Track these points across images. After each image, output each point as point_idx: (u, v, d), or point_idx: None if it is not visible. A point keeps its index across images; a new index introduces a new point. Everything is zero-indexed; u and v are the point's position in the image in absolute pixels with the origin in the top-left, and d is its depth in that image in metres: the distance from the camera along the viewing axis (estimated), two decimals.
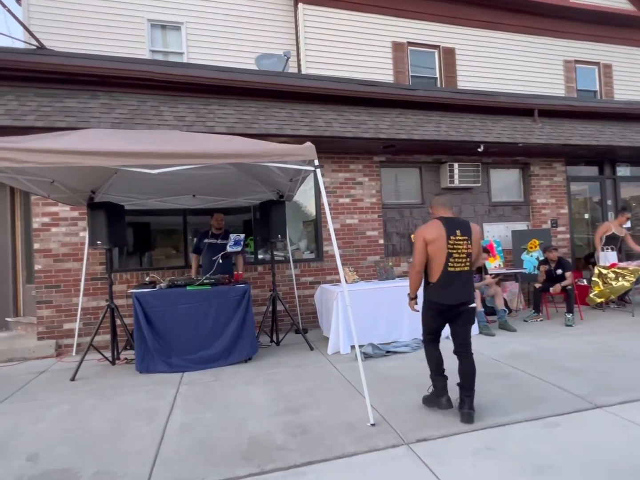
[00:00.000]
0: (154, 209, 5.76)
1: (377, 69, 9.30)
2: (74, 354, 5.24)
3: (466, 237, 2.98)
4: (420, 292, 3.15)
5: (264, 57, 8.16)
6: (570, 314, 5.77)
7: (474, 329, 5.42)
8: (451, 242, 2.93)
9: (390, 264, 5.90)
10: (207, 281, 4.66)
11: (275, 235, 4.95)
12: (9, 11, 4.92)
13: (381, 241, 6.69)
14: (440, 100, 7.16)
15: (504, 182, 7.67)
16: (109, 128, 4.90)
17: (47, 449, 2.76)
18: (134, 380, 4.15)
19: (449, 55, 9.91)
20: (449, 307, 2.97)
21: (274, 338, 5.37)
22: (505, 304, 6.26)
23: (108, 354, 4.76)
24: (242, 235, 5.00)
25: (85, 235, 5.30)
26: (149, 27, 8.45)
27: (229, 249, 4.89)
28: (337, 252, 3.24)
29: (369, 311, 4.93)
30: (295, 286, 6.07)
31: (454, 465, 2.36)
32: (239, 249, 4.99)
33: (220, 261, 4.89)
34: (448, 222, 2.99)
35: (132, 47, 8.07)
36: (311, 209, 6.63)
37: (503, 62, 10.18)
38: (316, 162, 3.21)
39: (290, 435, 2.80)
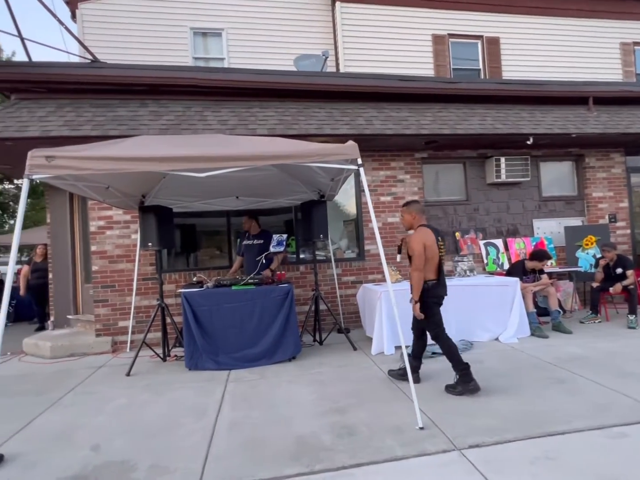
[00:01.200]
0: (199, 211, 5.94)
1: (417, 63, 9.10)
2: (127, 350, 5.51)
3: (443, 242, 3.63)
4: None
5: (302, 58, 8.21)
6: (633, 316, 5.36)
7: (525, 330, 5.18)
8: (439, 245, 3.54)
9: None
10: (251, 281, 4.75)
11: (318, 235, 4.96)
12: (67, 29, 5.25)
13: None
14: (484, 92, 6.89)
15: (556, 175, 7.26)
16: (157, 134, 5.11)
17: (107, 440, 2.91)
18: (184, 377, 4.30)
19: (492, 45, 9.52)
20: (443, 298, 3.64)
21: (317, 337, 5.38)
22: (559, 305, 5.92)
23: (159, 351, 4.96)
24: (285, 236, 5.05)
25: (136, 237, 5.56)
26: (191, 35, 8.74)
27: (272, 249, 4.96)
28: (381, 251, 3.19)
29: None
30: (337, 286, 6.06)
31: (512, 474, 2.24)
32: (282, 249, 5.04)
33: (264, 261, 4.96)
34: (433, 229, 3.60)
35: (176, 55, 8.38)
36: (351, 208, 6.58)
37: (552, 48, 9.64)
38: (359, 161, 3.18)
39: (337, 436, 2.79)
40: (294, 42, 8.90)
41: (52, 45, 6.30)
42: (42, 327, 7.70)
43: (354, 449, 2.60)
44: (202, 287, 4.77)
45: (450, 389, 3.47)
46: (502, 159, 6.62)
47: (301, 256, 6.39)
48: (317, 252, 5.87)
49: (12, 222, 14.44)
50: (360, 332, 5.69)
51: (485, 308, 5.12)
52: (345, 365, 4.40)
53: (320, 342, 5.33)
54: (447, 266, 6.44)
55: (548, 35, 9.66)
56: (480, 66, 9.52)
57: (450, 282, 5.13)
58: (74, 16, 8.32)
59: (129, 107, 5.64)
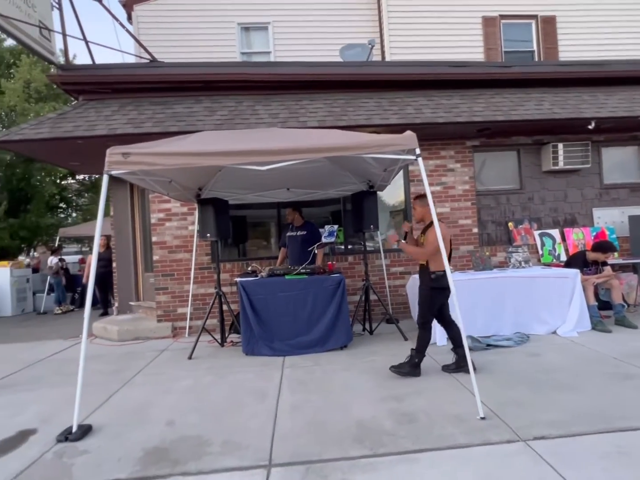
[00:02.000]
0: (251, 203, 6.13)
1: (467, 47, 8.82)
2: (186, 335, 5.84)
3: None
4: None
5: (347, 48, 8.17)
6: None
7: (586, 324, 4.97)
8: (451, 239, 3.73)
9: (487, 253, 5.61)
10: (303, 271, 4.87)
11: (368, 226, 4.99)
12: (127, 31, 5.55)
13: (475, 230, 6.39)
14: (540, 75, 6.59)
15: (619, 161, 6.83)
16: (212, 129, 5.30)
17: (180, 417, 3.13)
18: (242, 362, 4.51)
19: (548, 24, 9.02)
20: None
21: (367, 327, 5.44)
22: (623, 298, 5.61)
23: (217, 337, 5.22)
24: (336, 226, 5.13)
25: (193, 228, 5.84)
26: (239, 30, 8.93)
27: (323, 240, 5.05)
28: (440, 242, 3.17)
29: (466, 303, 4.73)
30: (385, 276, 6.08)
31: (582, 468, 2.21)
32: (333, 239, 5.12)
33: (316, 251, 5.07)
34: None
35: (224, 51, 8.60)
36: (399, 198, 6.54)
37: (616, 25, 9.00)
38: (417, 151, 3.17)
39: (397, 422, 2.85)
40: (339, 31, 8.87)
41: (109, 47, 6.65)
42: (105, 313, 8.29)
43: (416, 435, 2.65)
44: (256, 276, 4.95)
45: (397, 369, 3.72)
46: (560, 145, 6.31)
47: (349, 247, 6.45)
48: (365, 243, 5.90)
49: (74, 215, 15.52)
50: (409, 322, 5.69)
51: (543, 300, 4.96)
52: (397, 355, 4.40)
53: (371, 332, 5.38)
54: (500, 257, 6.28)
55: (609, 11, 9.01)
56: (535, 47, 9.07)
57: (504, 274, 5.05)
58: (129, 18, 8.73)
59: (185, 104, 5.89)
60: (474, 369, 3.61)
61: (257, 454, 2.53)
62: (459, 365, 3.74)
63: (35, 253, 13.95)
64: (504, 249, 6.25)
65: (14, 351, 5.60)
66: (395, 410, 3.05)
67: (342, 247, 6.43)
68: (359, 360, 4.32)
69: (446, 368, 3.87)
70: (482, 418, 2.80)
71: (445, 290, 3.61)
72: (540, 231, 6.54)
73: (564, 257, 6.33)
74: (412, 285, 5.52)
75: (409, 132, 3.23)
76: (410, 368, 3.72)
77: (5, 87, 12.19)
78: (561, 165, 6.34)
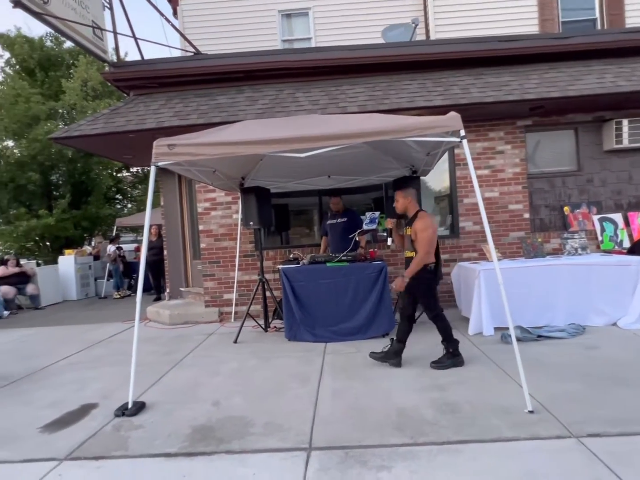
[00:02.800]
0: (292, 191, 6.17)
1: (519, 20, 8.24)
2: (232, 320, 6.05)
3: None
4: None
5: (390, 29, 7.92)
6: None
7: None
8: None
9: (539, 240, 5.31)
10: (344, 258, 4.85)
11: None
12: (173, 26, 5.71)
13: (526, 215, 6.04)
14: (603, 45, 6.05)
15: None
16: (253, 119, 5.37)
17: (225, 398, 3.27)
18: (284, 347, 4.61)
19: None
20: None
21: None
22: None
23: (261, 322, 5.36)
24: (377, 213, 5.05)
25: (237, 217, 5.99)
26: (279, 17, 8.91)
27: (365, 227, 5.00)
28: (487, 228, 3.03)
29: (516, 292, 4.52)
30: None
31: None
32: (375, 226, 5.06)
33: (357, 238, 5.03)
34: None
35: (266, 40, 8.63)
36: (444, 183, 6.32)
37: None
38: (462, 133, 3.02)
39: (440, 412, 2.79)
40: (381, 12, 8.60)
41: (157, 42, 6.88)
42: (158, 298, 8.76)
43: (458, 425, 2.59)
44: (298, 263, 5.01)
45: (438, 364, 3.64)
46: (625, 122, 5.77)
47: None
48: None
49: (129, 206, 16.45)
50: (454, 311, 5.52)
51: (601, 290, 4.62)
52: (441, 344, 4.32)
53: (414, 320, 5.27)
54: (554, 244, 5.92)
55: None
56: (597, 15, 8.31)
57: (558, 261, 4.76)
58: (175, 13, 8.97)
59: (228, 95, 6.00)
60: (400, 364, 3.72)
61: (298, 437, 2.58)
62: (388, 356, 3.77)
63: (95, 242, 14.96)
64: (558, 235, 5.88)
65: (80, 332, 6.08)
66: (437, 399, 2.99)
67: (384, 234, 6.32)
68: None
69: (374, 355, 3.83)
70: (530, 411, 2.68)
71: (438, 281, 3.79)
72: (600, 216, 6.07)
73: (627, 244, 5.85)
74: (458, 273, 5.35)
75: (452, 113, 3.09)
76: (451, 359, 3.65)
77: (66, 86, 13.01)
78: (626, 143, 5.81)
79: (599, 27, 8.27)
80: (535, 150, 6.20)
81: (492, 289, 4.48)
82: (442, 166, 6.19)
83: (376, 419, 2.76)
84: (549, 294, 4.61)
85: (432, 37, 8.29)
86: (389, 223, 3.90)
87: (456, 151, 5.97)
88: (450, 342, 3.69)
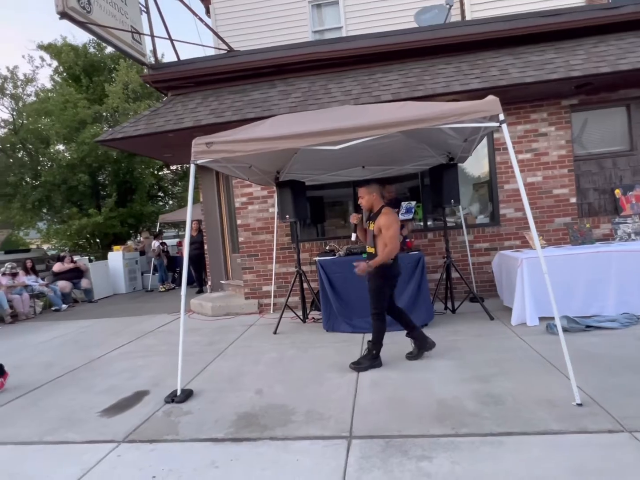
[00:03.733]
0: (327, 183, 6.19)
1: None
2: (271, 311, 6.19)
3: None
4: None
5: (423, 12, 7.68)
6: None
7: None
8: None
9: (587, 225, 5.03)
10: None
11: (448, 201, 4.76)
12: (207, 25, 5.84)
13: (573, 200, 5.74)
14: None
15: None
16: (286, 112, 5.41)
17: (267, 386, 3.37)
18: (322, 337, 4.68)
19: None
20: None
21: (449, 306, 5.27)
22: None
23: (299, 313, 5.45)
24: (413, 203, 4.98)
25: (273, 211, 6.09)
26: (309, 8, 8.86)
27: (400, 217, 4.93)
28: (529, 215, 2.91)
29: (562, 280, 4.34)
30: (468, 253, 5.78)
31: None
32: (411, 216, 4.99)
33: None
34: None
35: (297, 32, 8.61)
36: (483, 169, 6.11)
37: None
38: (501, 117, 2.91)
39: (482, 403, 2.75)
40: None
41: (192, 42, 7.06)
42: (200, 291, 9.10)
43: (502, 417, 2.54)
44: (334, 255, 5.04)
45: (357, 365, 3.57)
46: None
47: (428, 223, 6.23)
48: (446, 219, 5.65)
49: (170, 202, 17.12)
50: (495, 301, 5.38)
51: None
52: (482, 335, 4.24)
53: (453, 311, 5.21)
54: (604, 229, 5.60)
55: None
56: None
57: (608, 248, 4.51)
58: (208, 12, 9.14)
59: (261, 90, 6.07)
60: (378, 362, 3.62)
61: (338, 425, 2.63)
62: (421, 347, 3.72)
63: (140, 238, 15.70)
64: (609, 220, 5.55)
65: (130, 323, 6.45)
66: (479, 391, 2.94)
67: (421, 223, 6.23)
68: (440, 339, 4.20)
69: (410, 356, 3.73)
70: (579, 404, 2.59)
71: (395, 278, 3.68)
72: None
73: None
74: (499, 262, 5.19)
75: (490, 97, 2.98)
76: (370, 361, 3.59)
77: (109, 90, 13.65)
78: None
79: None
80: (582, 130, 5.86)
81: (535, 278, 4.32)
82: (480, 152, 5.99)
83: (416, 409, 2.77)
84: (598, 282, 4.39)
85: (468, 17, 7.97)
86: (354, 218, 3.82)
87: (495, 135, 5.76)
88: (376, 345, 3.62)
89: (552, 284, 2.84)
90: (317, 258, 5.02)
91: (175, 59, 6.80)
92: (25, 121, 13.46)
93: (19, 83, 13.61)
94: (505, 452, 2.20)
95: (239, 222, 6.37)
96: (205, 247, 7.97)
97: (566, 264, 4.43)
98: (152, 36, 6.54)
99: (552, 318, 3.44)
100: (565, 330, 4.03)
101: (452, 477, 2.03)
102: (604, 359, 3.33)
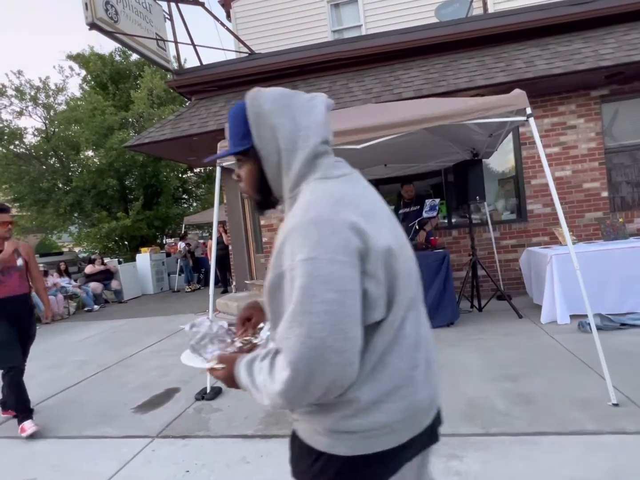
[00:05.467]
0: None
1: None
2: None
3: None
4: None
5: (443, 6, 7.56)
6: None
7: None
8: None
9: (620, 220, 4.86)
10: None
11: (473, 197, 4.69)
12: (228, 29, 5.92)
13: (604, 194, 5.55)
14: None
15: None
16: None
17: None
18: None
19: None
20: None
21: (475, 304, 5.19)
22: None
23: None
24: (437, 200, 4.92)
25: None
26: (328, 8, 8.86)
27: (424, 215, 4.89)
28: (559, 210, 2.85)
29: (594, 277, 4.20)
30: (495, 250, 5.67)
31: None
32: (435, 213, 4.93)
33: (417, 227, 4.95)
34: None
35: (316, 32, 8.62)
36: (508, 164, 5.98)
37: None
38: (528, 111, 2.86)
39: (512, 402, 2.71)
40: None
41: (213, 47, 7.17)
42: (225, 291, 9.25)
43: (534, 417, 2.50)
44: None
45: None
46: None
47: (453, 220, 6.15)
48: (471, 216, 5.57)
49: (194, 204, 17.46)
50: (524, 299, 5.26)
51: None
52: (511, 334, 4.16)
53: (480, 309, 5.12)
54: (638, 224, 5.40)
55: None
56: None
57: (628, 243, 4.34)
58: (228, 16, 9.28)
59: None
60: None
61: None
62: None
63: (166, 240, 16.07)
64: None
65: (159, 323, 6.63)
66: (509, 390, 2.90)
67: (445, 221, 6.15)
68: (467, 338, 4.17)
69: None
70: (615, 404, 2.51)
71: None
72: None
73: None
74: (527, 259, 5.08)
75: (517, 91, 2.93)
76: None
77: (134, 97, 14.04)
78: None
79: None
80: (613, 122, 5.66)
81: (565, 275, 4.20)
82: (506, 147, 5.86)
83: (445, 408, 2.72)
84: (632, 278, 4.23)
85: (491, 9, 7.79)
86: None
87: (521, 129, 5.62)
88: None
89: (583, 280, 2.77)
90: None
91: (198, 64, 6.94)
92: (56, 129, 13.99)
93: (50, 93, 14.15)
94: (539, 452, 2.16)
95: (262, 222, 6.45)
96: (230, 247, 8.09)
97: (598, 260, 4.29)
98: (176, 42, 6.69)
99: (584, 316, 3.36)
100: (598, 328, 3.91)
101: (482, 477, 2.01)
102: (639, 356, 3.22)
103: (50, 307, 3.46)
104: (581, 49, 5.22)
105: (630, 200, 5.65)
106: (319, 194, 0.83)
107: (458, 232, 5.92)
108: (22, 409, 3.03)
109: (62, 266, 9.08)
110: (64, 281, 8.68)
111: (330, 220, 0.77)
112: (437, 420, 1.01)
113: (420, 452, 0.96)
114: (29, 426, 2.92)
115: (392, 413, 0.84)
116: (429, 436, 0.96)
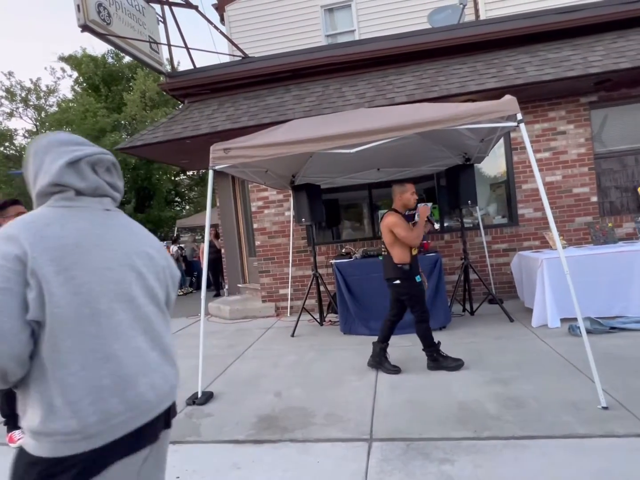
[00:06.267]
0: (342, 186, 6.20)
1: None
2: (288, 314, 6.23)
3: None
4: None
5: (436, 12, 7.65)
6: None
7: None
8: None
9: (609, 224, 4.92)
10: None
11: (465, 202, 4.72)
12: (222, 33, 5.92)
13: (594, 199, 5.62)
14: None
15: None
16: (301, 117, 5.45)
17: (286, 389, 3.40)
18: (340, 340, 4.68)
19: None
20: None
21: (467, 308, 5.22)
22: None
23: (316, 316, 5.47)
24: (430, 204, 4.93)
25: (289, 214, 6.13)
26: (322, 13, 8.91)
27: (417, 219, 4.90)
28: (549, 215, 2.88)
29: (584, 281, 4.25)
30: (486, 254, 5.71)
31: None
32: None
33: None
34: None
35: (310, 36, 8.68)
36: (500, 169, 6.04)
37: None
38: (519, 116, 2.89)
39: (503, 406, 2.72)
40: None
41: (207, 50, 7.17)
42: (217, 294, 9.21)
43: (524, 421, 2.51)
44: (350, 257, 5.05)
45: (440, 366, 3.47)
46: None
47: (445, 224, 6.18)
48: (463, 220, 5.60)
49: (187, 207, 17.40)
50: (515, 303, 5.31)
51: None
52: (502, 337, 4.19)
53: (472, 313, 5.15)
54: (627, 228, 5.47)
55: None
56: None
57: (632, 247, 4.42)
58: (222, 20, 9.29)
59: (276, 95, 6.14)
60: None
61: (359, 428, 2.64)
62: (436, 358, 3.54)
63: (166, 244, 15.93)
64: (632, 219, 5.42)
65: None
66: (500, 394, 2.91)
67: (438, 225, 6.18)
68: (459, 342, 4.18)
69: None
70: (604, 407, 2.54)
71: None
72: None
73: None
74: (519, 263, 5.12)
75: (508, 97, 2.96)
76: (452, 360, 3.47)
77: (127, 99, 13.99)
78: None
79: None
80: (602, 128, 5.74)
81: (556, 279, 4.25)
82: (497, 151, 5.92)
83: (436, 412, 2.75)
84: (621, 282, 4.28)
85: (482, 16, 7.89)
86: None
87: (512, 135, 5.68)
88: (430, 347, 3.58)
89: (573, 284, 2.79)
90: (333, 261, 5.03)
91: (192, 67, 6.93)
92: (47, 131, 13.88)
93: (41, 94, 14.04)
94: (530, 455, 2.17)
95: (255, 226, 6.43)
96: (222, 250, 8.06)
97: (588, 264, 4.34)
98: (169, 45, 6.67)
99: (574, 319, 3.39)
100: (588, 332, 3.95)
101: None
102: (629, 361, 3.25)
103: None
104: (570, 56, 5.30)
105: (619, 205, 5.72)
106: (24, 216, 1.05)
107: (450, 236, 5.96)
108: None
109: None
110: None
111: (6, 235, 0.98)
112: (160, 418, 1.15)
113: (138, 450, 1.08)
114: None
115: (84, 419, 0.96)
116: (151, 433, 1.12)
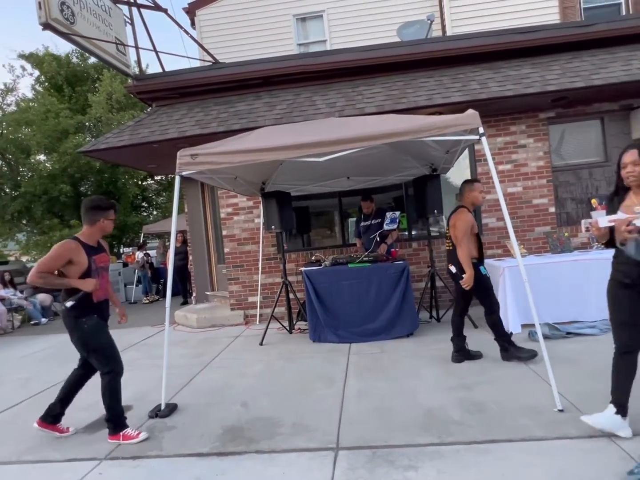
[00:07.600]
0: (313, 194, 6.23)
1: (538, 9, 8.06)
2: (257, 322, 6.15)
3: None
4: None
5: (405, 27, 7.87)
6: None
7: None
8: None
9: (566, 234, 5.18)
10: (366, 259, 4.87)
11: (432, 211, 4.84)
12: (192, 38, 5.87)
13: (552, 209, 5.90)
14: (629, 31, 5.87)
15: None
16: (272, 124, 5.45)
17: (253, 399, 3.34)
18: (310, 348, 4.66)
19: None
20: None
21: (434, 314, 5.32)
22: None
23: (285, 324, 5.43)
24: (397, 213, 5.04)
25: (259, 221, 6.09)
26: (294, 22, 8.99)
27: (385, 227, 5.00)
28: (509, 224, 3.00)
29: (543, 288, 4.45)
30: None
31: None
32: (395, 226, 5.05)
33: (378, 239, 5.04)
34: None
35: (282, 45, 8.72)
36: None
37: None
38: (481, 130, 3.01)
39: (467, 411, 2.79)
40: (396, 10, 8.56)
41: (176, 54, 7.05)
42: (185, 302, 8.97)
43: (486, 425, 2.58)
44: (320, 265, 5.06)
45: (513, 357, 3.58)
46: None
47: (413, 232, 6.31)
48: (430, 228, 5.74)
49: (154, 213, 16.94)
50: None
51: None
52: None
53: (438, 319, 5.26)
54: (582, 238, 5.76)
55: None
56: (622, 0, 8.01)
57: (586, 256, 4.65)
58: (193, 24, 9.19)
59: (246, 101, 6.11)
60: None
61: (325, 437, 2.63)
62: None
63: (124, 249, 15.43)
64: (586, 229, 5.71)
65: (115, 336, 6.28)
66: (464, 399, 2.98)
67: (406, 233, 6.31)
68: (425, 348, 4.26)
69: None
70: (560, 410, 2.65)
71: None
72: None
73: None
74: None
75: (470, 111, 3.07)
76: (524, 351, 3.59)
77: (92, 100, 13.53)
78: None
79: (623, 12, 7.99)
80: (559, 142, 6.05)
81: (517, 286, 4.42)
82: (462, 162, 6.12)
83: (402, 418, 2.78)
84: (577, 289, 4.50)
85: (449, 32, 8.20)
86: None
87: (476, 147, 5.89)
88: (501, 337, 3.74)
89: (533, 291, 2.91)
90: (302, 268, 5.03)
91: (160, 70, 6.80)
92: (4, 131, 13.20)
93: None
94: (491, 459, 2.23)
95: (224, 232, 6.34)
96: (190, 258, 7.89)
97: (546, 272, 4.54)
98: (137, 47, 6.53)
99: (534, 325, 3.52)
100: (546, 337, 4.13)
101: None
102: (584, 365, 3.41)
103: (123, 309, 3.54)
104: (529, 73, 5.57)
105: (574, 215, 6.03)
106: None
107: (418, 244, 6.08)
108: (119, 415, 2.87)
109: (7, 276, 8.49)
110: (8, 292, 8.11)
111: None
112: None
113: None
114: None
115: None
116: None
